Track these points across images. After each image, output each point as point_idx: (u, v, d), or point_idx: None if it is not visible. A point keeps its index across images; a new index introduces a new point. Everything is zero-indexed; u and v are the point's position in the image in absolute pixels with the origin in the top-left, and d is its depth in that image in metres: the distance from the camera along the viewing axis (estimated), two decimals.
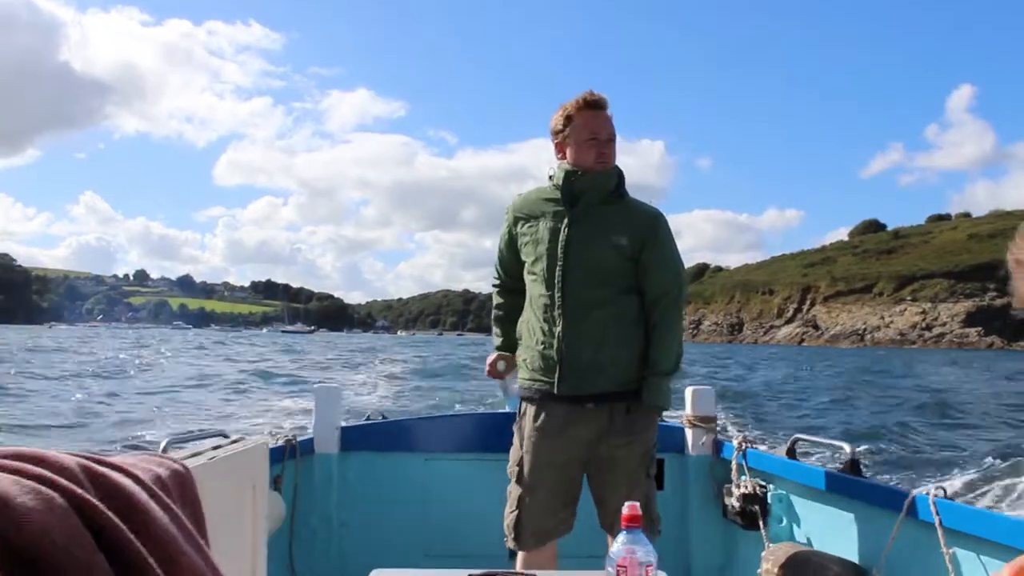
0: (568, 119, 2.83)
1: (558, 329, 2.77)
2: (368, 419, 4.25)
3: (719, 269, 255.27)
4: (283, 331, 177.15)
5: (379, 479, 3.84)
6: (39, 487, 0.49)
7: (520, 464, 2.88)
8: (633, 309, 2.81)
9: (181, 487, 0.65)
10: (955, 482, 8.40)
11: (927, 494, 2.47)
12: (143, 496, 0.54)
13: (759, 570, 2.90)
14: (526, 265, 2.92)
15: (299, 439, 3.62)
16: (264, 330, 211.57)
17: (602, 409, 2.77)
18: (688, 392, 3.84)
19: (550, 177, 2.90)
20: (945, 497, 2.45)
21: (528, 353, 2.87)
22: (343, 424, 3.89)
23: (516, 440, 2.93)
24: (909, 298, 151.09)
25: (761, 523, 3.22)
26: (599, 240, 2.78)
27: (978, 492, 8.01)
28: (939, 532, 2.34)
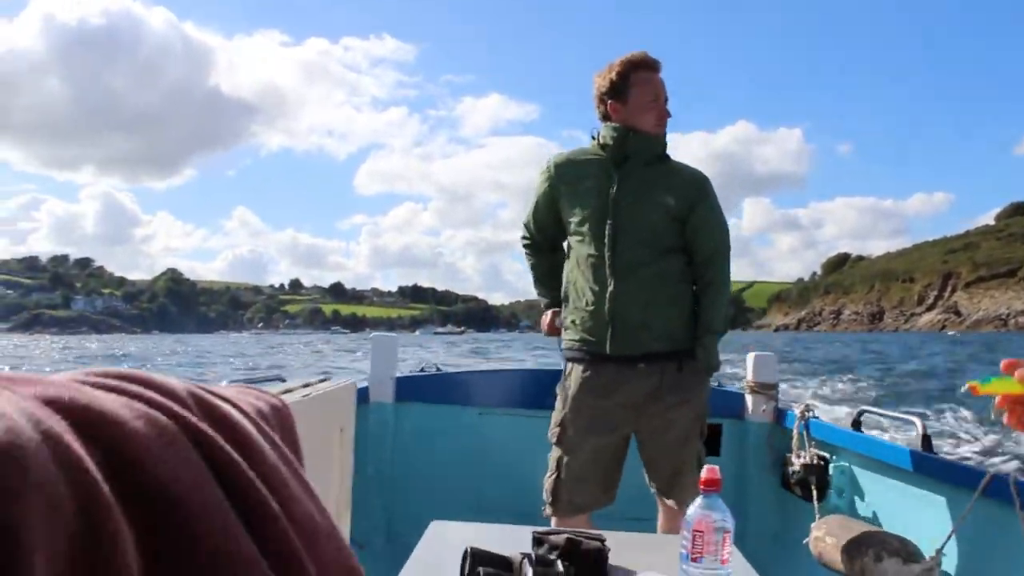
0: (624, 78, 2.75)
1: (610, 288, 2.69)
2: (423, 371, 4.24)
3: (860, 259, 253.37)
4: (435, 333, 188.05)
5: (432, 430, 3.85)
6: (153, 413, 0.45)
7: (562, 424, 2.80)
8: (680, 268, 2.77)
9: (281, 422, 0.62)
10: None
11: (1007, 475, 2.22)
12: (251, 428, 0.52)
13: (806, 539, 2.73)
14: (571, 225, 2.82)
15: (356, 387, 3.41)
16: (416, 332, 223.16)
17: (654, 369, 2.71)
18: (749, 358, 3.78)
19: (593, 137, 2.83)
20: None
21: (577, 314, 2.79)
22: (398, 375, 3.87)
23: (560, 401, 2.84)
24: None
25: (819, 495, 3.10)
26: (647, 200, 2.73)
27: None
28: (1020, 516, 2.09)
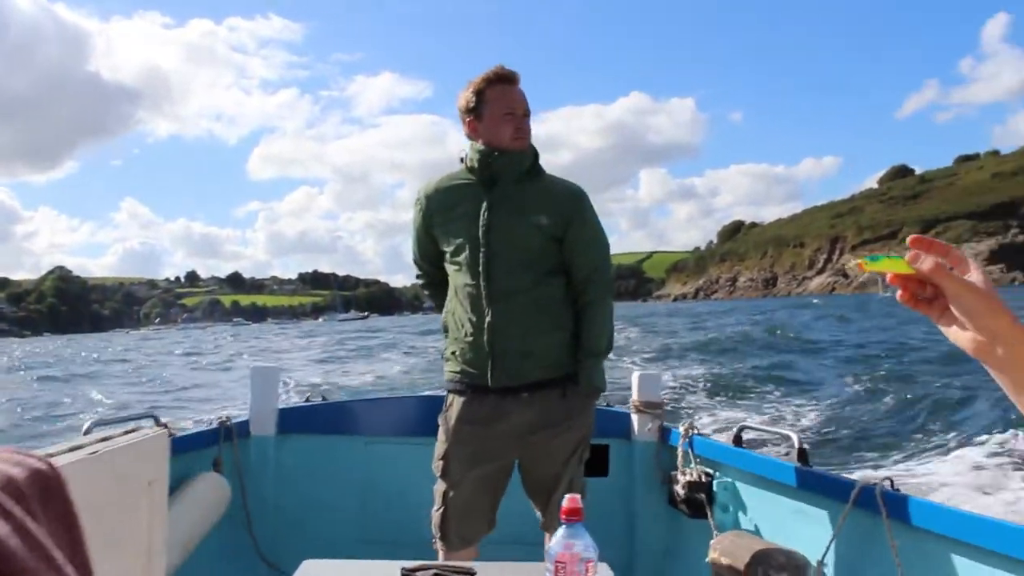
0: (479, 94, 2.66)
1: (487, 318, 2.62)
2: (308, 400, 4.18)
3: (753, 225, 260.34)
4: (339, 320, 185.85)
5: (318, 462, 3.74)
6: None
7: (445, 457, 2.74)
8: (560, 291, 2.70)
9: (42, 489, 0.56)
10: (920, 466, 7.95)
11: (874, 485, 2.40)
12: None
13: (707, 559, 2.80)
14: (447, 255, 2.76)
15: (234, 421, 3.55)
16: (320, 319, 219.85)
17: (536, 398, 2.65)
18: (634, 377, 3.78)
19: (461, 160, 2.74)
20: (893, 488, 2.39)
21: (457, 346, 2.72)
22: (281, 406, 3.75)
23: (441, 433, 2.77)
24: None
25: (708, 511, 3.19)
26: (520, 221, 2.63)
27: (939, 477, 7.41)
28: (886, 524, 2.29)
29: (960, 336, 0.87)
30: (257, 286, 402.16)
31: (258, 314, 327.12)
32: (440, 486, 2.76)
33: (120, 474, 1.61)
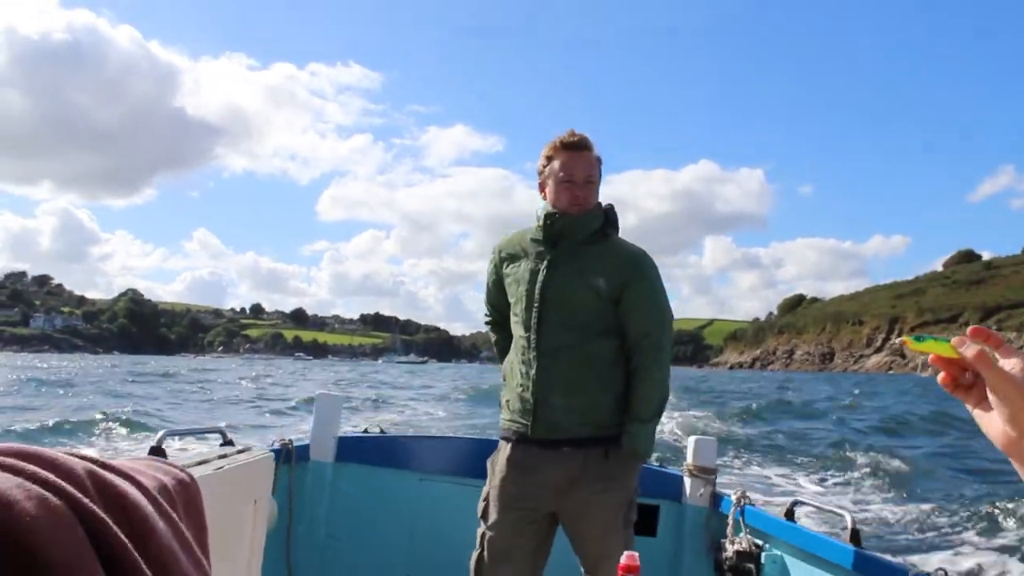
0: (548, 159, 2.78)
1: (533, 371, 2.69)
2: (366, 432, 4.19)
3: (814, 300, 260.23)
4: (397, 362, 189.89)
5: (371, 493, 3.77)
6: (44, 494, 0.47)
7: (487, 500, 2.81)
8: (611, 352, 2.72)
9: (186, 497, 0.62)
10: (966, 560, 7.52)
11: (928, 573, 2.33)
12: (148, 507, 0.53)
13: None
14: (511, 305, 2.86)
15: (296, 444, 3.60)
16: (379, 361, 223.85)
17: (578, 453, 2.67)
18: (690, 441, 3.77)
19: (537, 218, 2.82)
20: None
21: (509, 394, 2.81)
22: (341, 434, 3.82)
23: (488, 476, 2.86)
24: (995, 327, 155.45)
25: None
26: (577, 281, 2.70)
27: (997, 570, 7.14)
28: None
29: (992, 428, 0.86)
30: (319, 323, 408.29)
31: (319, 351, 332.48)
32: (481, 528, 2.83)
33: (236, 491, 1.71)
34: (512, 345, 2.89)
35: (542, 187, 2.85)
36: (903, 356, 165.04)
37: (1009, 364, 0.85)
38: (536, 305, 2.74)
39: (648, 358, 2.73)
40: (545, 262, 2.76)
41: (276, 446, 3.48)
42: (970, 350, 0.86)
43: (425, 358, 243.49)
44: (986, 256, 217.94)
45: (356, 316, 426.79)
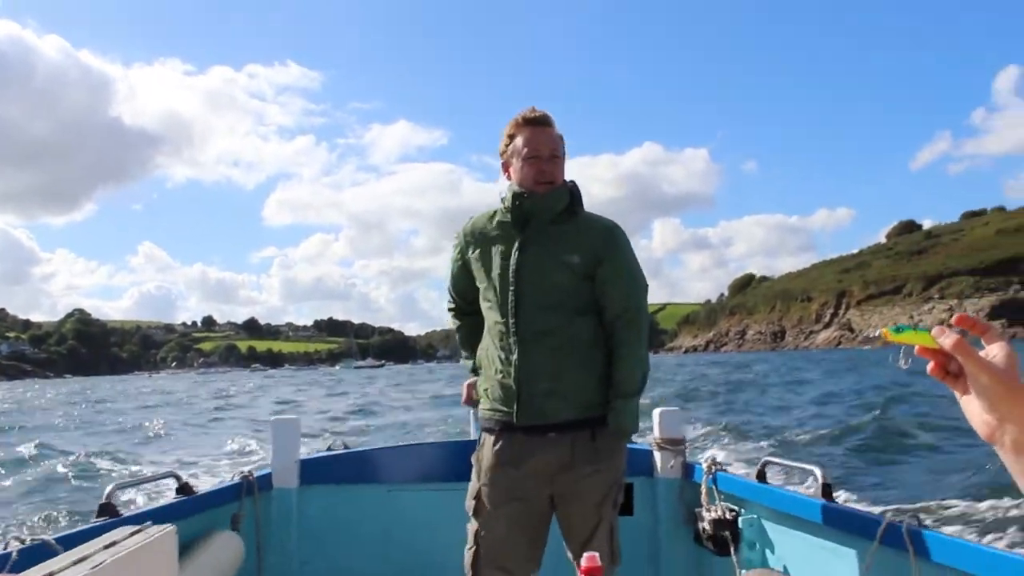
0: (510, 138, 2.73)
1: (514, 357, 2.63)
2: (330, 449, 4.12)
3: (764, 279, 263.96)
4: (355, 367, 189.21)
5: (340, 512, 3.70)
6: None
7: (478, 497, 2.74)
8: (590, 331, 2.68)
9: None
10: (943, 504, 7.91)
11: (901, 522, 2.36)
12: None
13: None
14: (480, 291, 2.80)
15: (257, 474, 3.48)
16: (337, 367, 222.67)
17: (565, 438, 2.63)
18: (655, 414, 3.71)
19: (502, 200, 2.77)
20: (919, 525, 2.34)
21: (488, 383, 2.74)
22: (302, 457, 3.73)
23: (474, 473, 2.78)
24: (937, 296, 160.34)
25: (732, 548, 3.11)
26: (550, 261, 2.65)
27: (964, 515, 7.44)
28: (912, 562, 2.23)
29: (975, 416, 0.86)
30: (273, 332, 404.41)
31: (275, 360, 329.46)
32: (472, 524, 2.76)
33: None
34: (486, 331, 2.82)
35: (505, 167, 2.79)
36: (851, 330, 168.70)
37: (991, 352, 0.85)
38: (512, 288, 2.67)
39: (629, 334, 2.70)
40: (516, 244, 2.70)
41: (236, 479, 3.44)
42: (948, 339, 0.86)
43: (382, 361, 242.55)
44: (927, 225, 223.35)
45: (310, 322, 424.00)
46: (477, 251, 2.81)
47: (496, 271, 2.72)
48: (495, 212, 2.82)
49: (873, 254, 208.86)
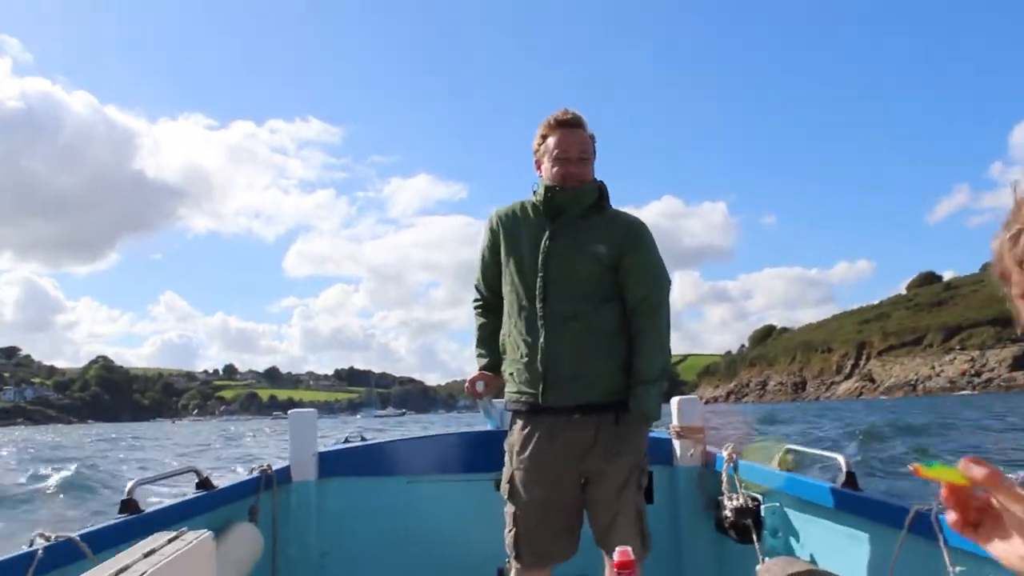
0: (543, 138, 2.84)
1: (540, 340, 2.71)
2: (347, 442, 4.16)
3: (784, 330, 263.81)
4: (376, 415, 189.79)
5: (359, 505, 3.70)
6: None
7: (512, 481, 2.81)
8: (614, 319, 2.77)
9: None
10: None
11: (929, 510, 2.30)
12: None
13: None
14: (507, 277, 2.88)
15: (275, 468, 3.50)
16: (359, 416, 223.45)
17: (588, 421, 2.71)
18: (674, 402, 3.71)
19: (533, 192, 2.88)
20: None
21: (513, 367, 2.82)
22: (321, 449, 3.75)
23: (507, 457, 2.86)
24: (958, 347, 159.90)
25: (755, 537, 3.09)
26: (578, 252, 2.75)
27: None
28: (944, 550, 2.16)
29: (1011, 555, 0.82)
30: (294, 381, 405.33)
31: (295, 408, 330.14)
32: (509, 508, 2.84)
33: None
34: (507, 316, 2.91)
35: (538, 165, 2.91)
36: (872, 380, 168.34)
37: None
38: (540, 274, 2.77)
39: (648, 320, 2.79)
40: (547, 233, 2.81)
41: (255, 473, 3.47)
42: (978, 472, 0.83)
43: (403, 410, 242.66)
44: (947, 276, 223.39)
45: (330, 371, 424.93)
46: (507, 237, 2.92)
47: (526, 257, 2.83)
48: (527, 202, 2.95)
49: (893, 305, 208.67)
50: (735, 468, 3.32)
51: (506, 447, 2.88)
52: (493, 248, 2.98)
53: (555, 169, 2.80)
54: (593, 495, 2.79)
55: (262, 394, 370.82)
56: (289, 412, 3.89)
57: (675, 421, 3.72)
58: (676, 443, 3.69)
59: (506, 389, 2.88)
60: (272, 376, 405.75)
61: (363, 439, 4.37)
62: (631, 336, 2.80)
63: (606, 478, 2.75)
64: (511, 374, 2.86)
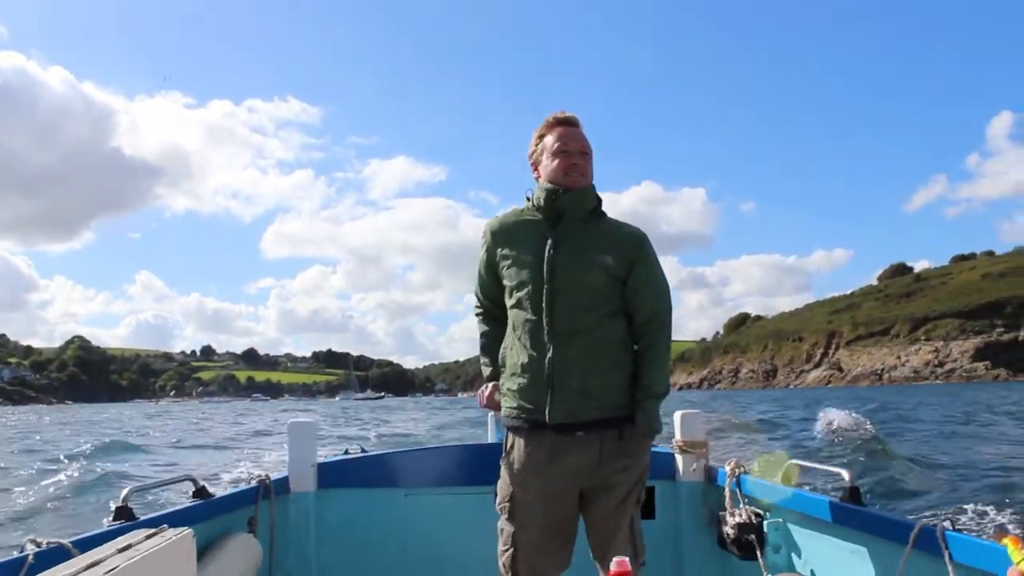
0: (540, 137, 2.78)
1: (548, 355, 2.61)
2: (347, 453, 4.09)
3: (758, 318, 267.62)
4: (355, 399, 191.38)
5: (358, 517, 3.66)
6: None
7: (511, 499, 2.74)
8: (620, 332, 2.69)
9: None
10: (966, 510, 7.78)
11: (934, 526, 2.27)
12: None
13: None
14: (508, 289, 2.77)
15: (273, 478, 3.47)
16: (337, 398, 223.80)
17: (593, 437, 2.63)
18: (676, 417, 3.66)
19: (528, 198, 2.79)
20: (954, 529, 2.25)
21: (514, 381, 2.71)
22: (320, 460, 3.71)
23: (504, 474, 2.77)
24: (923, 338, 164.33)
25: (759, 553, 3.05)
26: (584, 261, 2.66)
27: (989, 521, 7.32)
28: (949, 567, 2.14)
29: None
30: (272, 363, 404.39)
31: (274, 390, 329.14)
32: (507, 527, 2.77)
33: None
34: (511, 330, 2.79)
35: (535, 167, 2.83)
36: (840, 370, 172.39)
37: None
38: (547, 286, 2.67)
39: (659, 337, 2.75)
40: (550, 241, 2.70)
41: (253, 483, 3.44)
42: None
43: (382, 393, 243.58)
44: (922, 265, 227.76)
45: (308, 354, 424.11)
46: (506, 248, 2.80)
47: (528, 268, 2.72)
48: (523, 210, 2.84)
49: (864, 296, 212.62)
50: (738, 483, 3.32)
51: (503, 464, 2.80)
52: (490, 266, 2.89)
53: (556, 162, 2.74)
54: (593, 510, 2.77)
55: (240, 376, 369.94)
56: (288, 422, 3.85)
57: (678, 436, 3.73)
58: (679, 458, 3.71)
59: (504, 404, 2.78)
60: (250, 358, 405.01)
61: (362, 450, 4.44)
62: (639, 350, 2.76)
63: (607, 494, 2.73)
64: (511, 389, 2.75)
